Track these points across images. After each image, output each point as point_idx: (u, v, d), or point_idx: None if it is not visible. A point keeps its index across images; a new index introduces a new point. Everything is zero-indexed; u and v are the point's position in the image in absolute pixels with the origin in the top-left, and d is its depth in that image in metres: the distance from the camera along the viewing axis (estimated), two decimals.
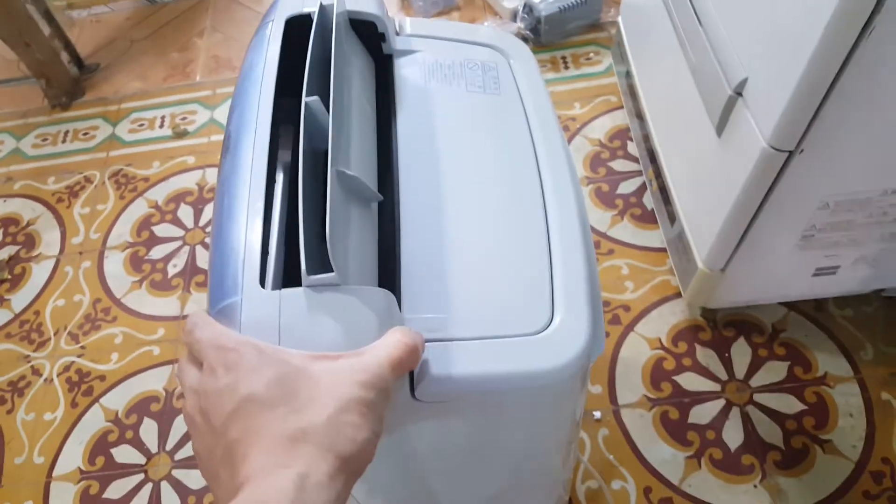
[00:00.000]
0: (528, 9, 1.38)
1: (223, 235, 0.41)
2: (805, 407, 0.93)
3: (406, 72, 0.54)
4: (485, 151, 0.49)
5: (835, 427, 0.91)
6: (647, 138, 1.10)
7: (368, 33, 0.55)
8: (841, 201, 0.78)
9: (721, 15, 0.79)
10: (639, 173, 1.18)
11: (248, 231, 0.40)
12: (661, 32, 0.99)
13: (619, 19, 1.22)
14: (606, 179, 1.19)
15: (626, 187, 1.18)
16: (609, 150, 1.23)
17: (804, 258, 0.89)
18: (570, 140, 1.26)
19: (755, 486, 0.88)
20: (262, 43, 0.50)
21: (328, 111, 0.43)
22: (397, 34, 0.57)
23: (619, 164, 1.21)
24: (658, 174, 1.06)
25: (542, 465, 0.60)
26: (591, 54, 1.39)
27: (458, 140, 0.50)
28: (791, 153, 0.71)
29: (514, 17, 1.42)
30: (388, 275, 0.44)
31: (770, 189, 0.77)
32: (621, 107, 1.27)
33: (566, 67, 1.37)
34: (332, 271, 0.37)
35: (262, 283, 0.38)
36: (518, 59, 0.57)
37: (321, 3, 0.50)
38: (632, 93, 1.17)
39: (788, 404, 0.93)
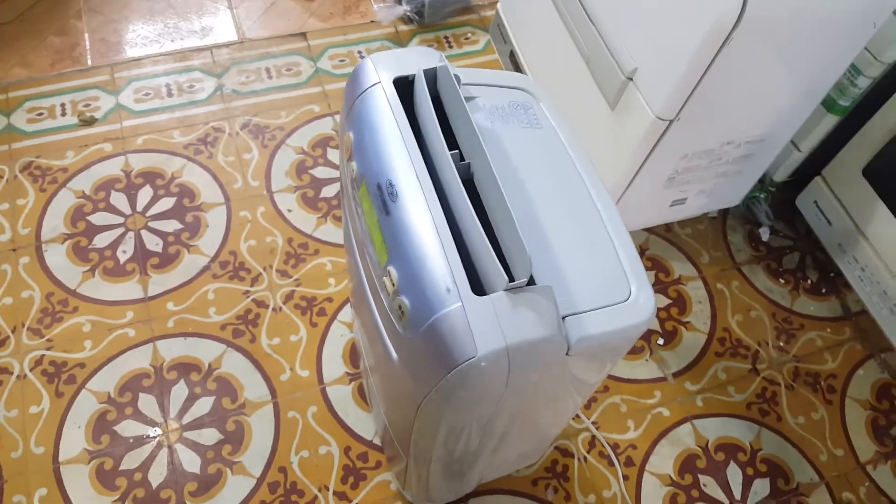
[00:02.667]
0: None
1: (418, 254, 0.59)
2: (670, 301, 1.29)
3: (477, 116, 0.72)
4: (549, 171, 0.70)
5: (690, 312, 1.28)
6: None
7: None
8: (696, 152, 1.11)
9: (611, 17, 1.06)
10: None
11: (447, 252, 0.59)
12: (547, 22, 1.25)
13: (499, 6, 1.46)
14: None
15: None
16: None
17: (665, 195, 1.23)
18: None
19: (646, 360, 1.22)
20: (381, 103, 0.67)
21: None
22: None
23: None
24: None
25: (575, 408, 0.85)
26: (469, 34, 1.61)
27: (530, 165, 0.70)
28: (671, 122, 1.01)
29: (399, 0, 1.59)
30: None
31: (653, 148, 1.07)
32: None
33: (450, 46, 1.59)
34: (523, 277, 0.57)
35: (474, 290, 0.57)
36: (538, 96, 0.77)
37: (423, 69, 0.68)
38: (517, 69, 1.43)
39: (661, 301, 1.28)
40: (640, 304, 0.65)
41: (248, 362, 1.15)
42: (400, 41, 1.58)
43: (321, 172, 1.37)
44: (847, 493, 1.13)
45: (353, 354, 1.17)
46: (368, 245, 0.69)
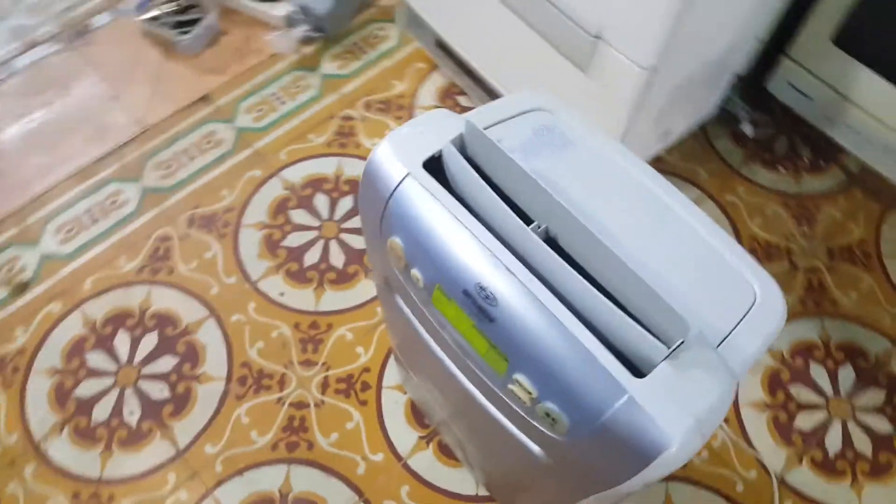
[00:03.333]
0: (303, 10, 1.41)
1: (554, 355, 0.52)
2: None
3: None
4: (612, 193, 0.62)
5: None
6: (488, 88, 1.27)
7: None
8: (678, 83, 1.06)
9: None
10: None
11: (587, 344, 0.51)
12: (477, 4, 1.14)
13: None
14: None
15: None
16: (448, 107, 1.38)
17: (652, 134, 1.17)
18: (410, 116, 1.38)
19: None
20: (421, 197, 0.58)
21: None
22: None
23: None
24: None
25: None
26: (377, 32, 1.48)
27: (593, 197, 0.61)
28: (655, 67, 0.95)
29: (289, 23, 1.43)
30: None
31: (641, 97, 1.01)
32: (435, 68, 1.41)
33: (364, 52, 1.45)
34: (679, 338, 0.50)
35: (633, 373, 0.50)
36: (551, 107, 0.68)
37: (449, 139, 0.58)
38: (452, 59, 1.32)
39: None
40: (770, 299, 0.59)
41: (317, 472, 1.05)
42: (311, 66, 1.44)
43: (295, 240, 1.24)
44: None
45: (416, 414, 1.09)
46: (468, 352, 0.61)
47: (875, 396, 1.11)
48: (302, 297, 1.18)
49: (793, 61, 1.22)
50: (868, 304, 1.18)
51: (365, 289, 1.19)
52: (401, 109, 1.38)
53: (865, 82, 1.13)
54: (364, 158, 1.22)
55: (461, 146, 0.61)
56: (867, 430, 1.09)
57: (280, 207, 1.27)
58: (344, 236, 1.24)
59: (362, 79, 1.42)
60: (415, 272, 0.60)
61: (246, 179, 1.30)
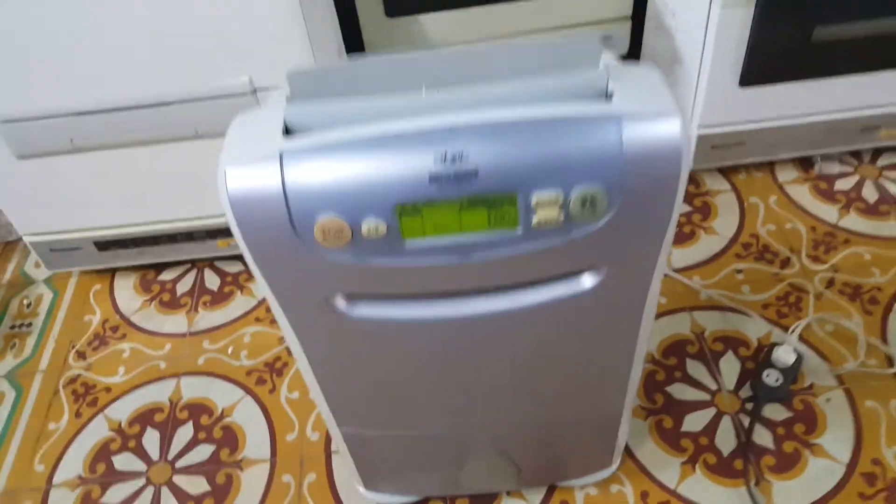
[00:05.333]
0: None
1: (553, 137, 0.49)
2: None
3: None
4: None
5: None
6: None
7: None
8: None
9: None
10: None
11: (558, 112, 0.49)
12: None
13: None
14: None
15: None
16: (156, 296, 1.20)
17: None
18: (133, 330, 1.15)
19: None
20: (318, 148, 0.49)
21: None
22: None
23: None
24: None
25: None
26: (24, 301, 1.21)
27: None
28: None
29: None
30: None
31: None
32: (114, 273, 1.21)
33: (28, 327, 1.17)
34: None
35: None
36: None
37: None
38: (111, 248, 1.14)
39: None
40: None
41: None
42: None
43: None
44: None
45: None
46: (473, 254, 0.52)
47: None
48: None
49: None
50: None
51: None
52: (116, 330, 1.16)
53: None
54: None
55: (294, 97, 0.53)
56: (763, 422, 0.94)
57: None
58: None
59: (50, 346, 1.15)
60: (367, 224, 0.49)
61: None
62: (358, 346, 0.61)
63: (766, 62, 1.07)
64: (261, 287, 0.55)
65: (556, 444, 0.80)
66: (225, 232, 1.14)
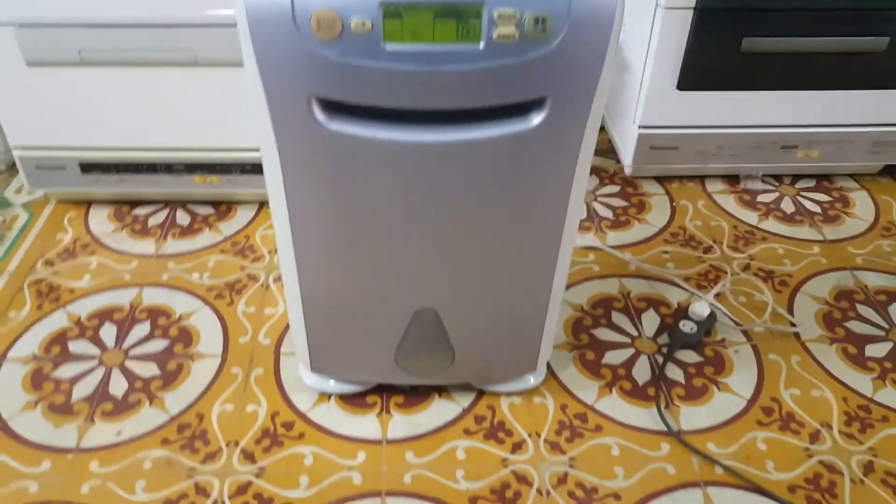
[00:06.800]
0: None
1: None
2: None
3: None
4: None
5: None
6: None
7: None
8: None
9: None
10: None
11: None
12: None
13: None
14: None
15: None
16: (128, 225, 1.26)
17: None
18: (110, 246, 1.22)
19: None
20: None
21: None
22: None
23: None
24: None
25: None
26: None
27: None
28: None
29: None
30: None
31: None
32: (90, 205, 1.28)
33: None
34: None
35: None
36: None
37: None
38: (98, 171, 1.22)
39: None
40: None
41: None
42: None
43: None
44: None
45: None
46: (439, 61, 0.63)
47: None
48: None
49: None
50: None
51: None
52: (86, 247, 1.22)
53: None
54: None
55: None
56: (676, 362, 1.05)
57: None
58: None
59: (19, 256, 1.20)
60: (355, 19, 0.60)
61: None
62: (328, 162, 0.70)
63: (701, 66, 1.25)
64: (252, 85, 0.64)
65: (487, 332, 0.88)
66: (203, 167, 1.23)
